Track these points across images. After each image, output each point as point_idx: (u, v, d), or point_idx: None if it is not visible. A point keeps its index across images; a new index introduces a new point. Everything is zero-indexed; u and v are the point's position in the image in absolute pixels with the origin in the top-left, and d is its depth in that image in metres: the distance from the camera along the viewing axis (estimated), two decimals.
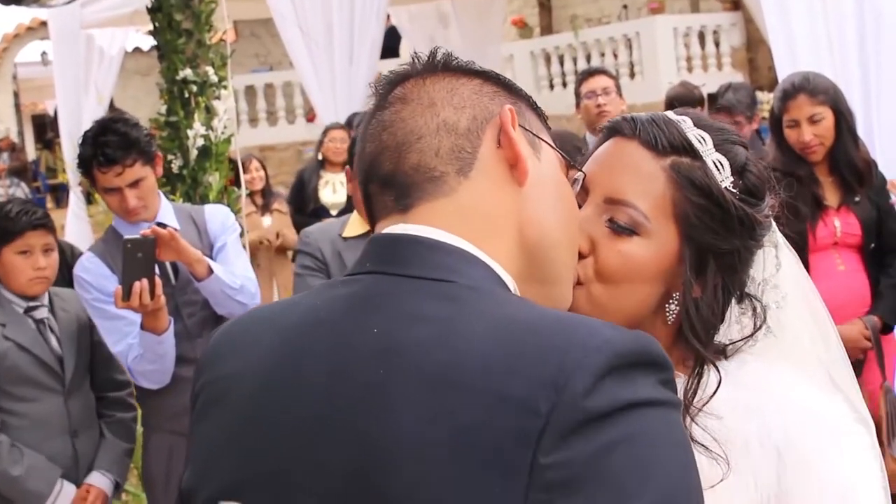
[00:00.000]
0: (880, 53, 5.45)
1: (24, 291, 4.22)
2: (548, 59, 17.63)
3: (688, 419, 1.56)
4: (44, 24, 12.11)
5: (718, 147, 1.62)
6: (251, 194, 9.28)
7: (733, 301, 1.66)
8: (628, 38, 16.86)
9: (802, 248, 4.38)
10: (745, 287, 1.66)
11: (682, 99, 7.36)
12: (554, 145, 1.46)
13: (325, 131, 9.56)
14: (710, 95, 6.90)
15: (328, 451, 1.22)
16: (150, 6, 5.55)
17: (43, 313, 4.27)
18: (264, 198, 9.47)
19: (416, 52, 1.47)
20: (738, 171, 1.63)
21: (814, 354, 1.74)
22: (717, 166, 1.60)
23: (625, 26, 17.52)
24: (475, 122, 1.37)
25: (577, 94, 6.37)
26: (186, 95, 5.72)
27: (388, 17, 11.72)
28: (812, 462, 1.51)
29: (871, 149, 5.02)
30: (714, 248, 1.60)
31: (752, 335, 1.66)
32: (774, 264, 1.69)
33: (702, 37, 16.95)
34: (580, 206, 1.61)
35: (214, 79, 5.79)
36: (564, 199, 1.45)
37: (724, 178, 1.60)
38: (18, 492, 4.02)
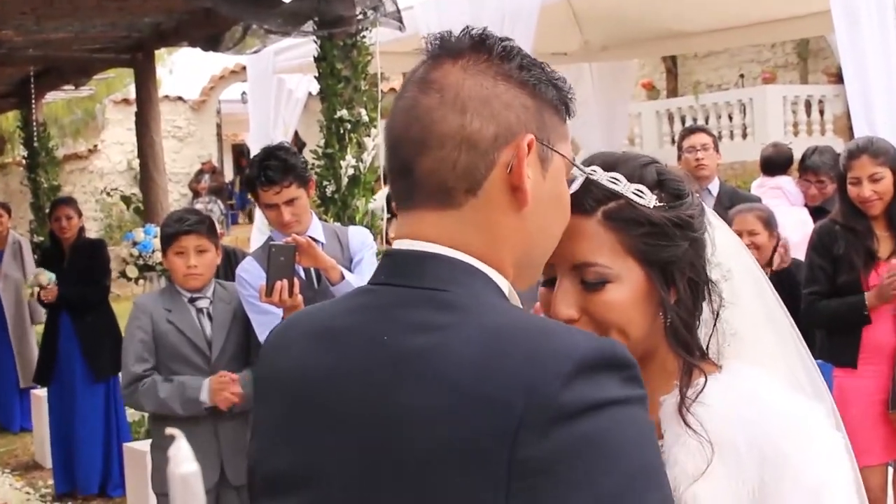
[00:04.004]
0: None
1: (182, 285, 4.42)
2: (671, 118, 17.49)
3: (683, 411, 1.54)
4: (244, 68, 12.42)
5: (631, 177, 1.56)
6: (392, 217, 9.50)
7: (707, 296, 1.62)
8: (742, 103, 16.66)
9: (855, 294, 4.43)
10: (708, 273, 1.61)
11: (774, 159, 7.31)
12: (566, 153, 1.40)
13: None
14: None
15: (351, 447, 1.23)
16: (316, 56, 5.65)
17: (204, 304, 4.44)
18: None
19: (469, 27, 1.38)
20: (657, 185, 1.58)
21: (779, 356, 1.72)
22: (637, 195, 1.55)
23: (740, 93, 17.37)
24: (496, 142, 1.30)
25: (680, 148, 6.33)
26: (342, 132, 5.79)
27: None
28: (790, 465, 1.48)
29: None
30: (670, 258, 1.56)
31: (714, 325, 1.62)
32: (711, 242, 1.63)
33: (808, 105, 16.64)
34: (550, 286, 1.59)
35: (366, 119, 5.82)
36: (561, 206, 1.42)
37: (649, 201, 1.56)
38: (179, 403, 4.17)
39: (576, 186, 1.57)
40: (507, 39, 1.36)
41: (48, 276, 7.62)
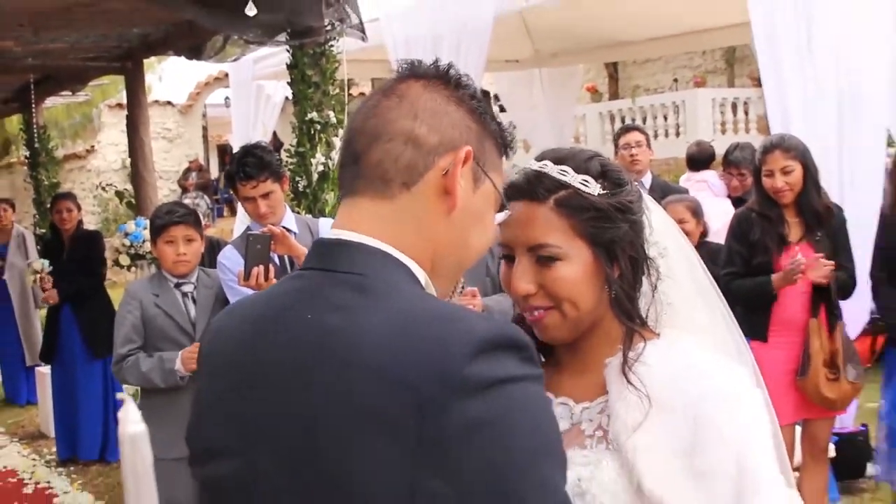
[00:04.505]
0: (855, 121, 5.38)
1: (171, 271, 4.42)
2: (612, 119, 17.46)
3: (625, 370, 1.55)
4: (227, 75, 12.35)
5: (578, 169, 1.60)
6: None
7: (646, 271, 1.64)
8: (676, 105, 16.74)
9: (769, 274, 4.47)
10: (646, 250, 1.64)
11: (697, 156, 7.33)
12: (497, 185, 1.39)
13: None
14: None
15: (277, 420, 1.21)
16: (288, 63, 5.64)
17: (188, 288, 4.45)
18: None
19: (438, 59, 1.40)
20: (601, 175, 1.61)
21: (708, 324, 1.73)
22: (584, 185, 1.58)
23: (674, 95, 17.43)
24: (438, 147, 1.31)
25: (616, 145, 6.30)
26: (312, 132, 5.78)
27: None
28: (717, 419, 1.49)
29: (840, 197, 5.00)
30: (613, 237, 1.58)
31: (652, 296, 1.64)
32: (649, 225, 1.65)
33: (734, 106, 16.75)
34: (511, 265, 1.61)
35: (334, 121, 5.80)
36: (483, 227, 1.39)
37: (594, 189, 1.59)
38: (159, 376, 4.12)
39: (518, 177, 1.61)
40: (467, 76, 1.39)
41: (41, 263, 7.64)
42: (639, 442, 1.52)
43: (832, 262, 4.39)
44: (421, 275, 1.32)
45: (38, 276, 7.60)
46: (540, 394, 1.20)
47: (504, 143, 1.42)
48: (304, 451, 1.18)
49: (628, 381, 1.55)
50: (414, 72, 1.37)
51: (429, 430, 1.10)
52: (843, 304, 4.61)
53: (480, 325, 1.18)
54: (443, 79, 1.36)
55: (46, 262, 7.60)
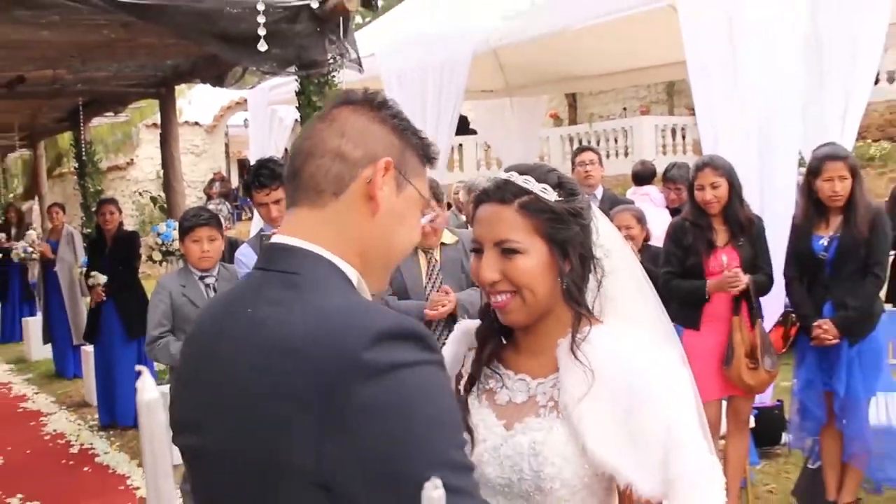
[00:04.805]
0: (772, 144, 5.39)
1: (196, 266, 4.42)
2: (571, 141, 17.45)
3: (574, 348, 1.57)
4: (246, 100, 12.28)
5: (539, 178, 1.62)
6: None
7: (593, 268, 1.65)
8: (625, 130, 16.80)
9: (700, 274, 4.47)
10: (593, 250, 1.65)
11: (641, 173, 7.35)
12: (420, 190, 1.37)
13: None
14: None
15: (220, 398, 1.20)
16: (297, 91, 5.59)
17: (210, 280, 4.45)
18: None
19: (367, 89, 1.40)
20: (557, 185, 1.62)
21: (644, 314, 1.73)
22: (543, 192, 1.60)
23: (623, 122, 17.47)
24: (362, 160, 1.29)
25: (573, 163, 6.29)
26: None
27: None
28: (649, 393, 1.50)
29: (760, 208, 4.97)
30: (566, 237, 1.60)
31: (598, 290, 1.66)
32: (596, 230, 1.67)
33: (673, 131, 16.84)
34: (480, 257, 1.62)
35: None
36: (407, 227, 1.37)
37: (551, 196, 1.60)
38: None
39: (489, 184, 1.64)
40: (392, 100, 1.38)
41: (100, 277, 7.70)
42: (583, 410, 1.53)
43: (747, 277, 4.37)
44: (352, 273, 1.30)
45: (97, 286, 7.66)
46: (436, 376, 1.17)
47: (426, 154, 1.40)
48: (242, 422, 1.17)
49: (576, 358, 1.56)
50: (346, 99, 1.37)
51: (335, 407, 1.09)
52: (762, 299, 4.59)
53: (381, 318, 1.16)
54: (369, 103, 1.35)
55: (104, 278, 7.66)
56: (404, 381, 1.12)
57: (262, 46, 4.81)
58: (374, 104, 1.35)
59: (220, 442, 1.21)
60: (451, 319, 4.19)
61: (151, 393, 0.78)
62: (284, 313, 1.19)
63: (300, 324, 1.17)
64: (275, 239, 1.32)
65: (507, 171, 1.66)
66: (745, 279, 4.36)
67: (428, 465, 1.07)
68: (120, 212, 8.12)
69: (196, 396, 1.30)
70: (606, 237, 1.70)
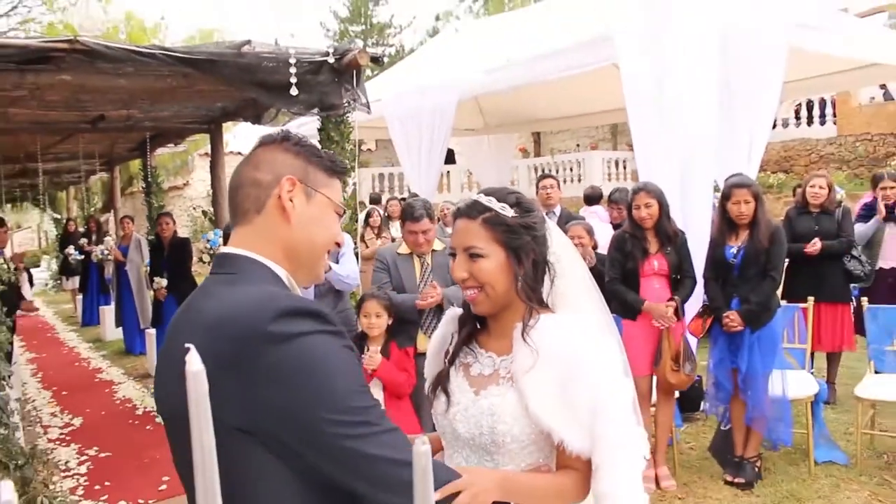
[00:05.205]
0: (692, 173, 5.40)
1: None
2: (536, 170, 17.29)
3: (524, 335, 1.55)
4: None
5: (500, 199, 1.62)
6: (372, 227, 9.32)
7: (546, 270, 1.63)
8: (579, 161, 16.68)
9: (637, 275, 4.46)
10: (546, 256, 1.64)
11: (590, 196, 7.39)
12: (329, 195, 1.35)
13: (388, 200, 9.75)
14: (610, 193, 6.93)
15: (176, 375, 1.12)
16: (318, 128, 5.60)
17: None
18: (380, 231, 9.42)
19: (284, 129, 1.40)
20: (515, 204, 1.62)
21: (589, 307, 1.71)
22: (501, 209, 1.60)
23: (577, 155, 17.34)
24: (272, 182, 1.30)
25: (537, 187, 6.26)
26: None
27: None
28: (584, 370, 1.49)
29: (683, 224, 5.00)
30: (519, 244, 1.59)
31: (551, 288, 1.65)
32: (550, 240, 1.66)
33: (617, 163, 16.73)
34: (454, 260, 1.61)
35: (348, 167, 5.63)
36: (324, 227, 1.35)
37: (509, 213, 1.60)
38: None
39: (462, 204, 1.63)
40: (296, 134, 1.37)
41: (164, 282, 7.74)
42: (528, 380, 1.53)
43: (673, 303, 4.41)
44: (281, 271, 1.30)
45: (161, 288, 7.67)
46: (331, 342, 1.16)
47: (332, 168, 1.37)
48: (185, 388, 1.13)
49: (524, 341, 1.56)
50: (261, 141, 1.37)
51: (250, 367, 1.10)
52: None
53: (286, 300, 1.16)
54: (276, 139, 1.35)
55: (165, 282, 7.69)
56: (303, 345, 1.12)
57: (294, 92, 4.85)
58: (279, 139, 1.35)
59: (176, 407, 1.18)
60: (440, 310, 4.22)
61: (197, 365, 0.82)
62: (217, 301, 1.20)
63: (225, 307, 1.17)
64: (221, 250, 1.34)
65: (478, 193, 1.66)
66: (673, 319, 4.41)
67: (329, 409, 1.10)
68: (174, 222, 8.10)
69: (161, 376, 1.29)
70: (559, 246, 1.69)
